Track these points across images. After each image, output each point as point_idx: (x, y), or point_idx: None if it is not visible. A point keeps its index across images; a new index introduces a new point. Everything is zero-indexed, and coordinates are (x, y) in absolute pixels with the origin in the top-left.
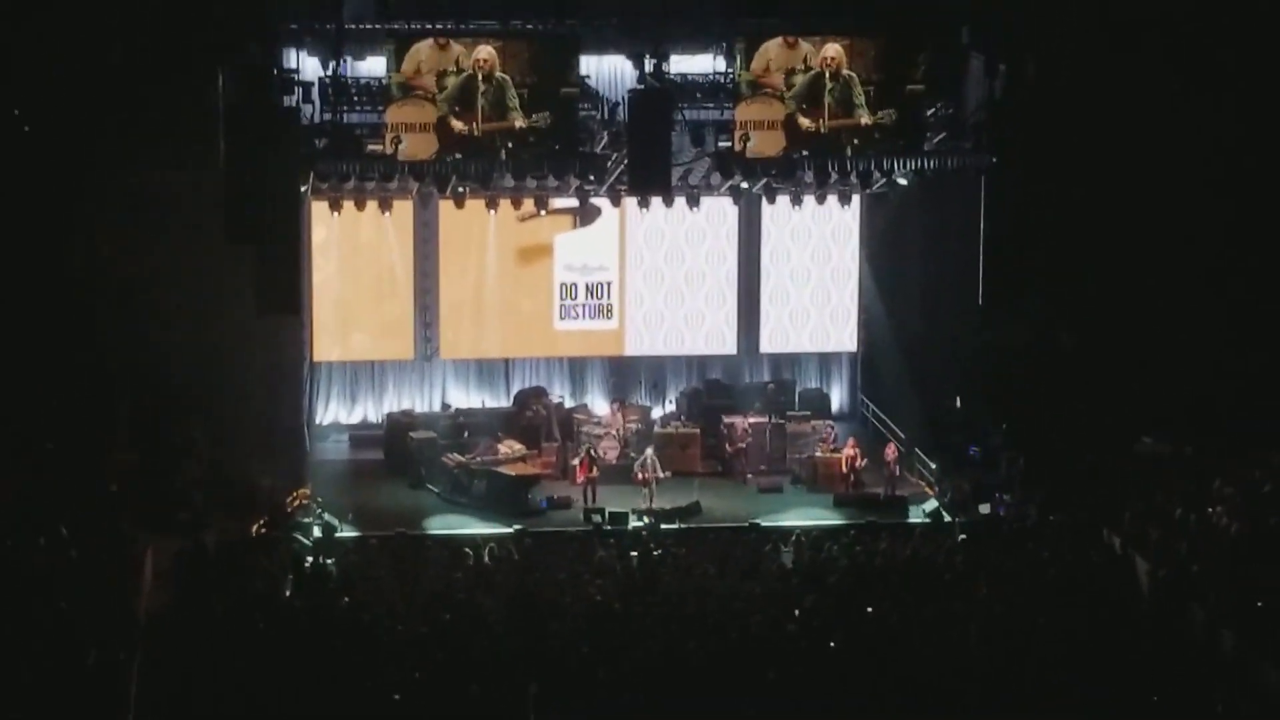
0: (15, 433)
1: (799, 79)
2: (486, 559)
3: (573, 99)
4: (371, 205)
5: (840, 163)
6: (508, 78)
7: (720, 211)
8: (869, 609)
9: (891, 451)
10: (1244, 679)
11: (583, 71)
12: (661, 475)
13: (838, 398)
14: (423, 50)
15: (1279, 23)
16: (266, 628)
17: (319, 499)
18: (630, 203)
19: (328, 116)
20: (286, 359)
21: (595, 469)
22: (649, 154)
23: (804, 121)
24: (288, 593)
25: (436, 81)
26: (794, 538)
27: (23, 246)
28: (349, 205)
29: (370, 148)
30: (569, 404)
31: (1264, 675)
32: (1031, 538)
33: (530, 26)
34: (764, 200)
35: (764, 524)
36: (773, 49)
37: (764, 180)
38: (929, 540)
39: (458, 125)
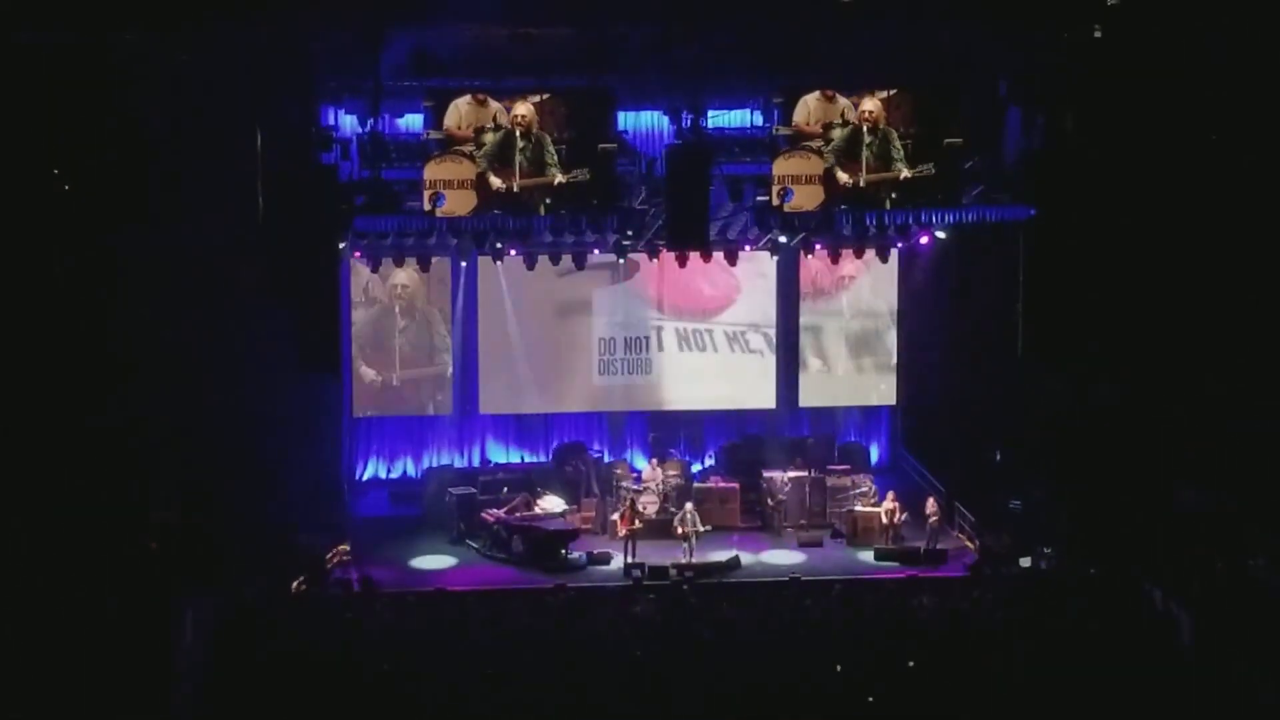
0: (56, 492)
1: (837, 133)
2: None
3: (611, 154)
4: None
5: (879, 216)
6: (545, 134)
7: (758, 266)
8: (910, 664)
9: (932, 505)
10: None
11: (620, 127)
12: (701, 530)
13: (877, 451)
14: (461, 107)
15: None
16: (305, 686)
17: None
18: (668, 257)
19: (366, 173)
20: (325, 415)
21: (637, 521)
22: (687, 208)
23: (842, 176)
24: (327, 651)
25: (475, 138)
26: (834, 592)
27: (64, 309)
28: (388, 262)
29: (409, 204)
30: (608, 459)
31: None
32: (1073, 592)
33: (568, 83)
34: (802, 254)
35: (804, 578)
36: (811, 102)
37: (802, 234)
38: (969, 595)
39: (496, 181)
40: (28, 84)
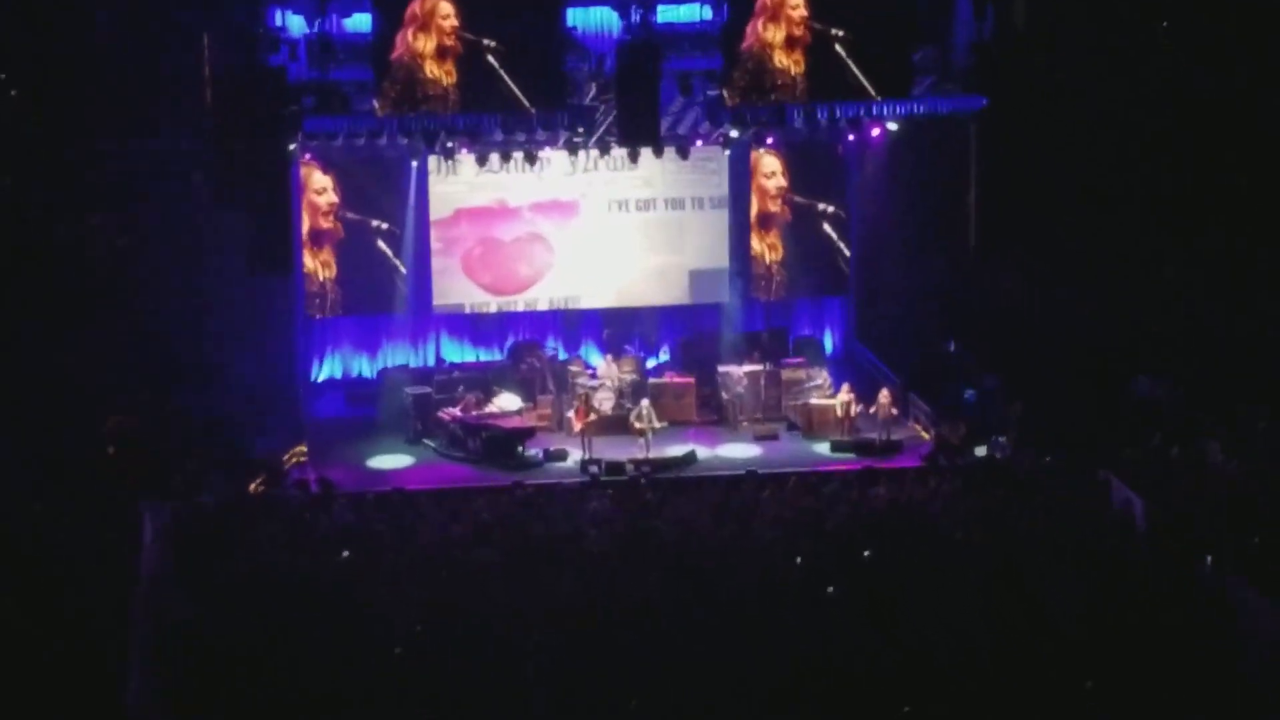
0: (13, 401)
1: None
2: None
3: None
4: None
5: (830, 109)
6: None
7: (709, 160)
8: (866, 554)
9: (886, 396)
10: (1245, 612)
11: (570, 24)
12: (657, 425)
13: (832, 344)
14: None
15: None
16: (264, 587)
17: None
18: (620, 153)
19: (314, 74)
20: (278, 317)
21: (593, 415)
22: (638, 104)
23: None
24: (285, 552)
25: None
26: (790, 484)
27: (11, 217)
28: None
29: (357, 106)
30: (563, 356)
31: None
32: (1028, 480)
33: None
34: (752, 147)
35: (760, 471)
36: None
37: (753, 129)
38: (925, 485)
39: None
40: None
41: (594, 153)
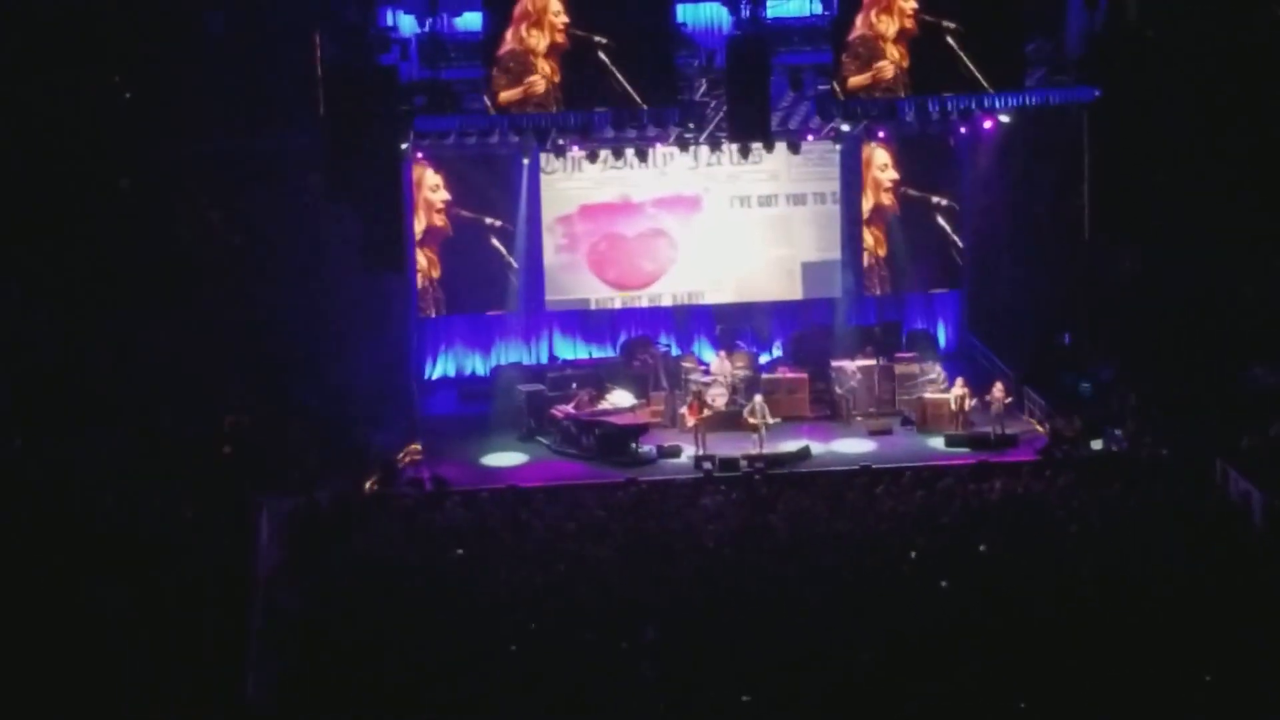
0: (130, 398)
1: (894, 19)
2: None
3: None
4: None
5: (941, 102)
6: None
7: (822, 155)
8: (981, 548)
9: (1000, 389)
10: None
11: (679, 19)
12: (771, 421)
13: (945, 337)
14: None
15: None
16: (379, 583)
17: None
18: (730, 149)
19: (425, 73)
20: (392, 315)
21: (705, 411)
22: (748, 100)
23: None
24: (400, 548)
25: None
26: (905, 479)
27: (131, 214)
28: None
29: (468, 104)
30: (676, 352)
31: None
32: (1145, 473)
33: None
34: (863, 141)
35: (875, 466)
36: None
37: (864, 123)
38: (1040, 479)
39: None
40: None
41: (717, 149)
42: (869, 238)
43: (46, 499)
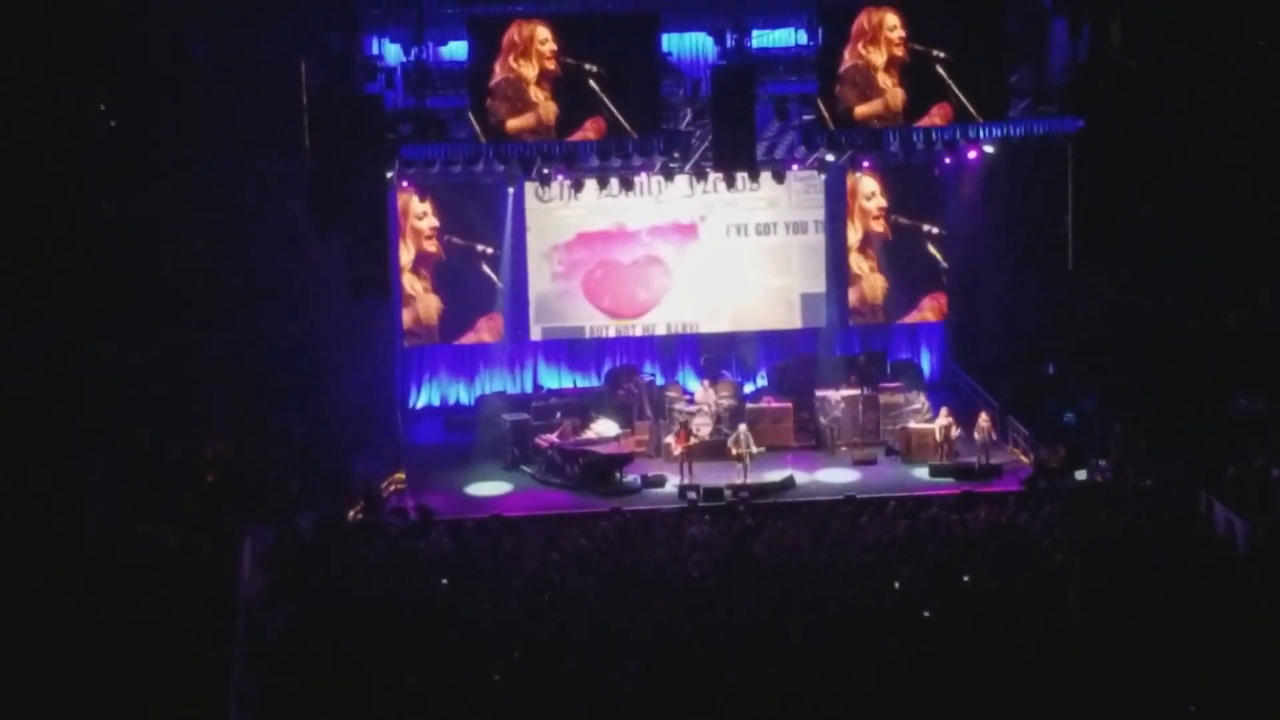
0: (112, 425)
1: (881, 50)
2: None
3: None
4: None
5: (926, 133)
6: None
7: (805, 184)
8: (965, 579)
9: (985, 420)
10: None
11: (665, 49)
12: (755, 450)
13: (929, 367)
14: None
15: None
16: (363, 611)
17: None
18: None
19: (411, 102)
20: (378, 344)
21: (691, 439)
22: (733, 129)
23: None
24: (384, 576)
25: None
26: (889, 509)
27: (114, 241)
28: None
29: (454, 133)
30: (660, 382)
31: None
32: (1129, 503)
33: (611, 5)
34: (848, 171)
35: (859, 496)
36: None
37: (849, 152)
38: (1025, 509)
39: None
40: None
41: (713, 177)
42: (860, 266)
43: (29, 525)
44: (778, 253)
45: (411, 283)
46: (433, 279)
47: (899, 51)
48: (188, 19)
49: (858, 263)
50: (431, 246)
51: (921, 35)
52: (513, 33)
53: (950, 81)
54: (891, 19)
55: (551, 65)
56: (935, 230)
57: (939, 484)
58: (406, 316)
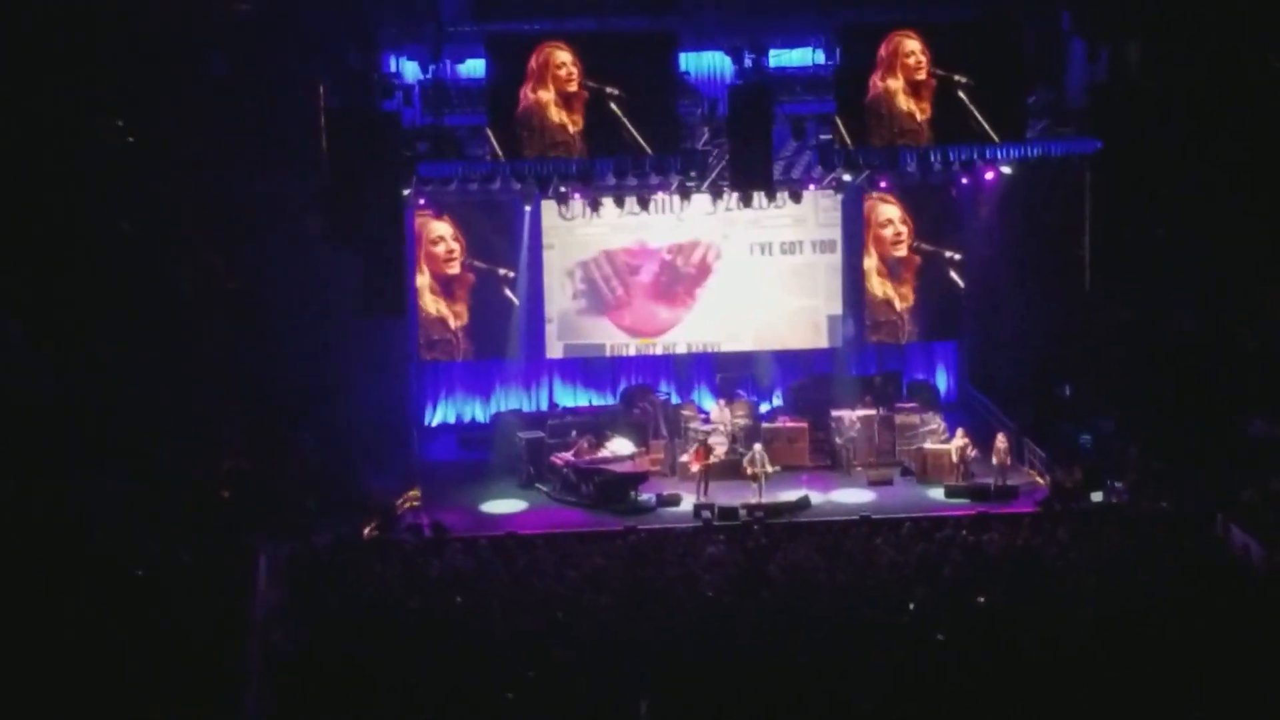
0: (128, 440)
1: (899, 69)
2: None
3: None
4: None
5: (943, 153)
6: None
7: (832, 203)
8: (980, 600)
9: (1001, 441)
10: None
11: (682, 68)
12: (770, 470)
13: (946, 387)
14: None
15: None
16: (378, 627)
17: None
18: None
19: (428, 119)
20: (393, 361)
21: (710, 457)
22: (750, 148)
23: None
24: (400, 594)
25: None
26: (904, 530)
27: (130, 256)
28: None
29: (471, 150)
30: (676, 401)
31: None
32: (1145, 525)
33: (628, 24)
34: (864, 192)
35: (874, 517)
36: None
37: (866, 172)
38: (1040, 531)
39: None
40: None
41: (732, 196)
42: (880, 290)
43: (45, 539)
44: (803, 272)
45: (435, 303)
46: (465, 302)
47: (921, 77)
48: (206, 34)
49: (873, 286)
50: (452, 269)
51: (941, 60)
52: (534, 59)
53: (970, 105)
54: (911, 44)
55: (572, 89)
56: (956, 256)
57: (954, 505)
58: (434, 336)
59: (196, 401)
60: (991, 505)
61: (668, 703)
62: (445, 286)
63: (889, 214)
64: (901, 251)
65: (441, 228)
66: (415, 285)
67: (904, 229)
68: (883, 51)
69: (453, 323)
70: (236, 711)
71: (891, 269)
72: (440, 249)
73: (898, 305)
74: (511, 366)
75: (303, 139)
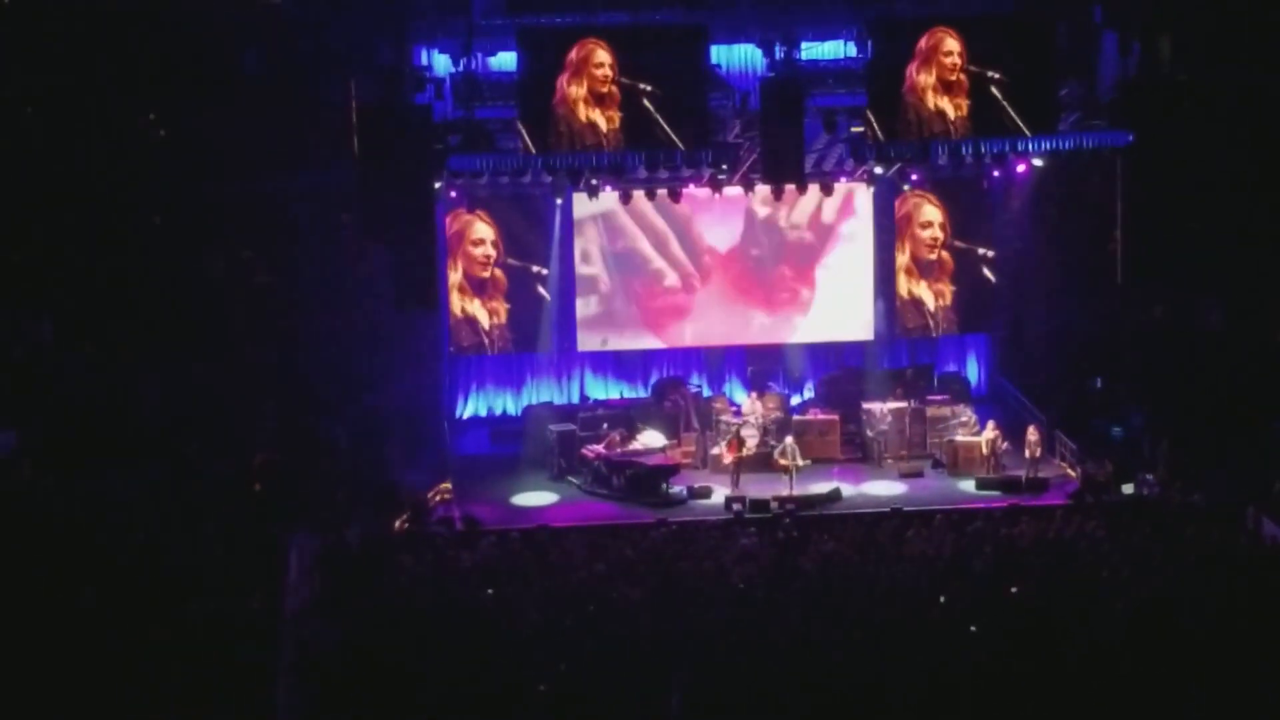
0: (161, 434)
1: (934, 66)
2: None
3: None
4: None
5: (975, 145)
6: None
7: (854, 196)
8: (1012, 592)
9: (1033, 433)
10: None
11: (714, 61)
12: (801, 463)
13: (977, 380)
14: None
15: None
16: (410, 621)
17: None
18: (762, 190)
19: (460, 113)
20: (425, 354)
21: (743, 449)
22: (781, 141)
23: (938, 107)
24: (430, 586)
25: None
26: (936, 522)
27: (164, 251)
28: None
29: (502, 143)
30: (707, 393)
31: None
32: (1176, 518)
33: (660, 18)
34: (897, 185)
35: (905, 509)
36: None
37: (898, 165)
38: (1071, 523)
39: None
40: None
41: (763, 189)
42: (913, 288)
43: (79, 533)
44: (844, 264)
45: (469, 301)
46: (503, 300)
47: (953, 74)
48: (239, 29)
49: (906, 281)
50: (484, 272)
51: (975, 55)
52: (572, 54)
53: (1002, 99)
54: (952, 43)
55: (608, 87)
56: (989, 254)
57: (985, 497)
58: (474, 333)
59: (228, 396)
60: (1023, 498)
61: (699, 696)
62: (477, 286)
63: (931, 215)
64: (934, 255)
65: (484, 230)
66: (447, 279)
67: (941, 235)
68: (923, 44)
69: (485, 321)
70: (268, 706)
71: (923, 269)
72: (479, 251)
73: (931, 305)
74: (543, 359)
75: (335, 134)
